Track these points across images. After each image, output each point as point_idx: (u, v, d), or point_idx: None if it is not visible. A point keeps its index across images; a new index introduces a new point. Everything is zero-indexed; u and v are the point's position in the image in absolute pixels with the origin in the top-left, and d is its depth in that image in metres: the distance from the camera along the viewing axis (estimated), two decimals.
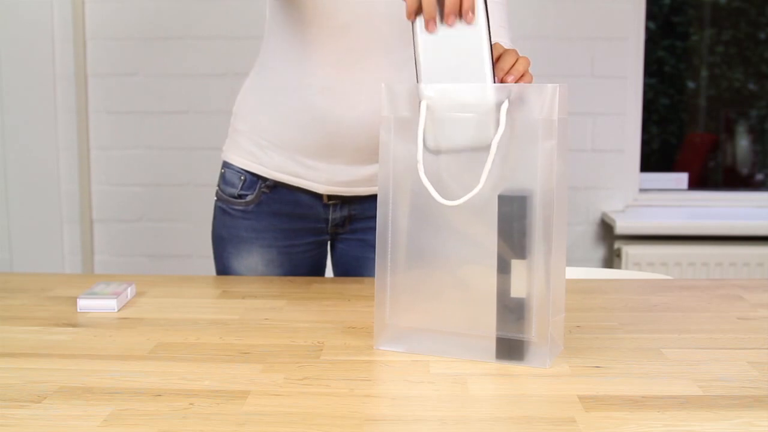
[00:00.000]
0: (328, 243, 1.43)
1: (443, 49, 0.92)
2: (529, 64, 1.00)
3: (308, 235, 1.38)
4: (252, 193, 1.34)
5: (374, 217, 0.98)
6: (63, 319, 1.08)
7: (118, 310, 1.12)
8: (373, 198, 1.30)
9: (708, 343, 0.99)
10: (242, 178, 1.34)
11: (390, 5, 1.18)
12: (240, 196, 1.35)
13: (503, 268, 0.89)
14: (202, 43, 2.64)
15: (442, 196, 0.89)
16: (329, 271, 1.47)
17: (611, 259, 2.71)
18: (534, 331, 0.89)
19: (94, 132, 2.69)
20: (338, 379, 0.86)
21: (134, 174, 2.71)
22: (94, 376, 0.86)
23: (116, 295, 1.13)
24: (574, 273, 1.47)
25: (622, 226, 2.58)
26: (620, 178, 2.72)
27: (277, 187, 1.34)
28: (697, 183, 3.10)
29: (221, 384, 0.84)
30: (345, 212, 1.37)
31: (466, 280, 0.92)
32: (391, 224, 0.94)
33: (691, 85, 3.27)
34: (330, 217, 1.36)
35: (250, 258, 1.36)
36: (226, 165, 1.37)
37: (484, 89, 0.90)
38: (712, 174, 3.27)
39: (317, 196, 1.34)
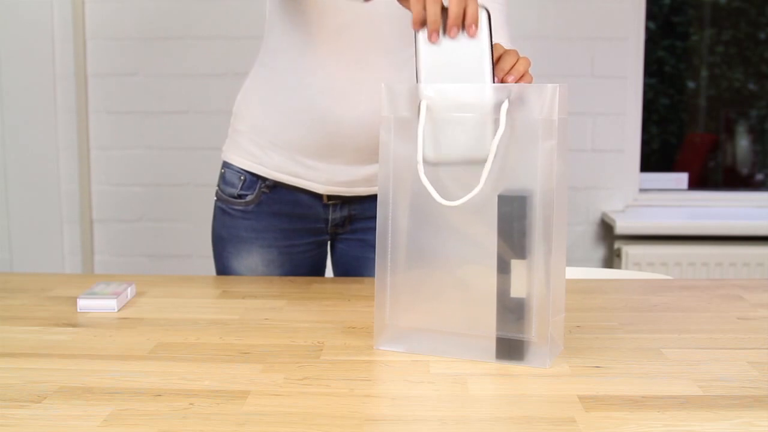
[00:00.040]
0: (328, 243, 1.43)
1: (444, 59, 0.93)
2: (529, 64, 1.00)
3: (308, 235, 1.38)
4: (252, 193, 1.34)
5: (374, 217, 0.98)
6: (63, 319, 1.08)
7: (118, 310, 1.12)
8: (373, 198, 1.30)
9: (708, 343, 0.99)
10: (242, 178, 1.34)
11: (390, 5, 1.18)
12: (240, 196, 1.35)
13: (503, 268, 0.89)
14: (202, 43, 2.64)
15: (442, 196, 0.89)
16: (329, 271, 1.47)
17: (611, 259, 2.71)
18: (534, 331, 0.89)
19: (94, 132, 2.69)
20: (338, 379, 0.86)
21: (134, 174, 2.71)
22: (94, 376, 0.86)
23: (116, 295, 1.13)
24: (574, 273, 1.47)
25: (622, 226, 2.58)
26: (620, 178, 2.72)
27: (276, 187, 1.34)
28: (697, 183, 3.10)
29: (221, 384, 0.84)
30: (345, 212, 1.37)
31: (466, 280, 0.92)
32: (391, 224, 0.94)
33: (691, 85, 3.27)
34: (330, 217, 1.36)
35: (250, 258, 1.36)
36: (225, 165, 1.37)
37: (484, 89, 0.90)
38: (712, 174, 3.27)
39: (317, 196, 1.34)
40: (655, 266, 2.57)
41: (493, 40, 0.94)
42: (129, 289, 1.18)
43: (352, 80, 1.23)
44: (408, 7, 0.95)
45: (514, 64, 0.99)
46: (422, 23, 0.92)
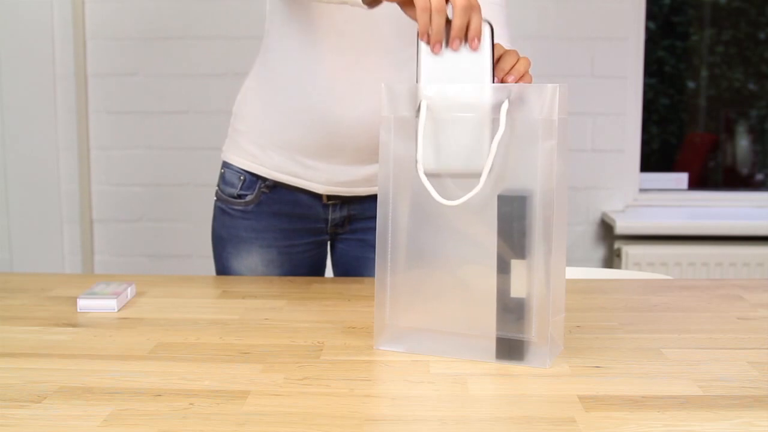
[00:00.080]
0: (328, 243, 1.43)
1: (445, 70, 0.93)
2: (529, 64, 1.00)
3: (308, 235, 1.38)
4: (251, 193, 1.34)
5: (374, 217, 0.98)
6: (63, 319, 1.08)
7: (118, 310, 1.12)
8: (372, 198, 1.30)
9: (708, 343, 0.99)
10: (242, 178, 1.34)
11: (390, 5, 1.18)
12: (239, 196, 1.35)
13: (503, 268, 0.89)
14: (202, 43, 2.64)
15: (442, 196, 0.89)
16: (329, 271, 1.47)
17: (611, 259, 2.71)
18: (534, 331, 0.89)
19: (94, 132, 2.69)
20: (338, 379, 0.86)
21: (134, 174, 2.71)
22: (94, 376, 0.86)
23: (116, 295, 1.13)
24: (574, 273, 1.47)
25: (622, 226, 2.58)
26: (620, 178, 2.72)
27: (276, 187, 1.34)
28: (697, 183, 3.10)
29: (221, 384, 0.84)
30: (344, 212, 1.37)
31: (466, 280, 0.92)
32: (391, 224, 0.94)
33: (691, 85, 3.27)
34: (329, 217, 1.36)
35: (250, 258, 1.36)
36: (225, 165, 1.37)
37: (484, 89, 0.90)
38: (712, 174, 3.27)
39: (317, 196, 1.34)
40: (655, 266, 2.57)
41: (494, 54, 0.94)
42: (129, 289, 1.18)
43: (352, 80, 1.23)
44: (413, 17, 0.95)
45: (514, 64, 0.99)
46: (428, 34, 0.92)
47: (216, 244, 1.40)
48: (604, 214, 2.70)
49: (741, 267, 2.58)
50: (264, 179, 1.33)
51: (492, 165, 0.88)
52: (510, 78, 0.98)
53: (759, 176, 3.26)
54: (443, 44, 0.92)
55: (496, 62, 0.98)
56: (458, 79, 0.92)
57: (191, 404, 0.78)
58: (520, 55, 1.00)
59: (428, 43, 0.92)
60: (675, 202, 2.84)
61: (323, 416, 0.75)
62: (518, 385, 0.84)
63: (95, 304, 1.12)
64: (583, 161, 2.68)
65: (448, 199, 0.89)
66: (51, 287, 1.25)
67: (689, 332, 1.03)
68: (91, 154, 2.70)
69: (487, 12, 1.07)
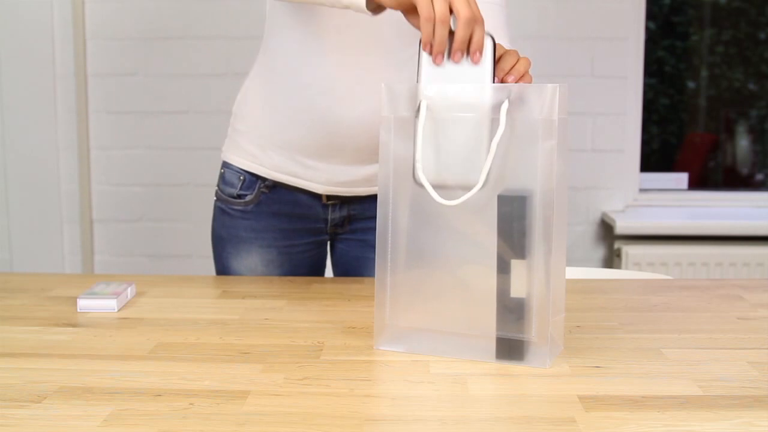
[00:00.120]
0: (328, 243, 1.43)
1: (446, 80, 0.93)
2: (529, 64, 1.00)
3: (307, 235, 1.38)
4: (251, 193, 1.34)
5: (374, 217, 0.98)
6: (63, 319, 1.08)
7: (118, 310, 1.12)
8: (372, 198, 1.30)
9: (708, 343, 0.99)
10: (241, 178, 1.34)
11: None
12: (239, 196, 1.35)
13: (503, 268, 0.89)
14: (202, 43, 2.64)
15: (442, 197, 0.89)
16: (329, 271, 1.47)
17: (611, 259, 2.71)
18: (534, 331, 0.89)
19: (94, 132, 2.69)
20: (338, 379, 0.86)
21: (134, 174, 2.71)
22: (94, 376, 0.86)
23: (116, 295, 1.13)
24: (574, 273, 1.47)
25: (622, 226, 2.58)
26: (620, 178, 2.72)
27: (276, 187, 1.34)
28: (697, 183, 3.10)
29: (221, 384, 0.84)
30: (344, 212, 1.37)
31: (466, 280, 0.92)
32: (391, 224, 0.94)
33: (691, 85, 3.27)
34: (329, 217, 1.36)
35: (250, 258, 1.36)
36: (225, 165, 1.37)
37: (484, 89, 0.90)
38: (712, 174, 3.27)
39: (316, 196, 1.34)
40: (655, 266, 2.57)
41: (496, 68, 0.95)
42: (129, 289, 1.18)
43: (352, 80, 1.23)
44: (416, 25, 0.96)
45: (514, 64, 0.99)
46: (431, 45, 0.92)
47: (216, 244, 1.40)
48: (604, 214, 2.70)
49: (741, 267, 2.58)
50: (264, 179, 1.33)
51: (492, 165, 0.88)
52: (510, 78, 0.98)
53: (759, 176, 3.26)
54: (445, 55, 0.93)
55: (496, 62, 0.98)
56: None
57: (191, 404, 0.78)
58: (520, 56, 1.00)
59: (430, 53, 0.93)
60: (675, 202, 2.84)
61: (323, 416, 0.75)
62: (518, 385, 0.84)
63: (95, 304, 1.12)
64: (583, 161, 2.68)
65: (447, 199, 0.89)
66: (51, 287, 1.25)
67: (689, 332, 1.03)
68: (91, 154, 2.70)
69: (487, 13, 1.07)
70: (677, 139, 3.26)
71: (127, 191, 2.71)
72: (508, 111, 0.88)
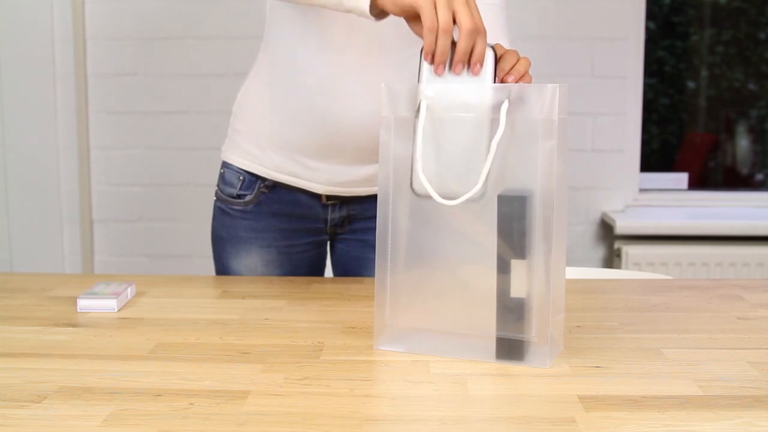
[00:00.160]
0: (328, 243, 1.43)
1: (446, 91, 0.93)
2: (530, 65, 1.00)
3: (307, 235, 1.38)
4: (251, 193, 1.34)
5: (374, 218, 0.98)
6: (63, 319, 1.08)
7: (118, 310, 1.12)
8: (372, 198, 1.30)
9: (708, 343, 0.99)
10: (241, 178, 1.34)
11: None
12: (239, 196, 1.35)
13: (503, 268, 0.89)
14: (202, 43, 2.64)
15: (442, 196, 0.89)
16: (329, 271, 1.47)
17: (611, 259, 2.71)
18: (534, 331, 0.89)
19: (94, 132, 2.69)
20: (338, 379, 0.86)
21: (134, 174, 2.71)
22: (94, 376, 0.86)
23: (116, 295, 1.13)
24: (574, 273, 1.47)
25: (622, 226, 2.58)
26: (620, 178, 2.72)
27: (276, 187, 1.34)
28: (697, 183, 3.10)
29: (221, 384, 0.84)
30: (344, 212, 1.37)
31: (466, 281, 0.92)
32: (391, 224, 0.94)
33: (691, 85, 3.27)
34: (329, 217, 1.36)
35: (250, 258, 1.36)
36: (225, 165, 1.37)
37: (484, 89, 0.90)
38: (712, 174, 3.27)
39: (316, 197, 1.34)
40: (655, 266, 2.57)
41: (496, 68, 0.95)
42: (129, 289, 1.18)
43: (352, 80, 1.23)
44: (418, 33, 0.96)
45: (515, 65, 0.99)
46: (433, 54, 0.92)
47: (215, 244, 1.40)
48: (604, 214, 2.70)
49: (741, 267, 2.58)
50: (263, 179, 1.33)
51: (492, 165, 0.88)
52: (510, 78, 0.98)
53: (759, 176, 3.26)
54: (446, 66, 0.93)
55: (496, 63, 0.98)
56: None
57: (191, 404, 0.78)
58: (520, 56, 1.00)
59: (431, 63, 0.93)
60: (675, 202, 2.84)
61: (323, 416, 0.75)
62: (518, 385, 0.84)
63: (95, 304, 1.12)
64: (583, 161, 2.68)
65: (447, 199, 0.89)
66: (51, 287, 1.25)
67: (689, 332, 1.03)
68: (91, 154, 2.70)
69: (487, 14, 1.07)
70: (677, 139, 3.26)
71: (127, 191, 2.71)
72: (508, 111, 0.88)
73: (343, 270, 1.43)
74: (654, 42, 3.12)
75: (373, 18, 1.01)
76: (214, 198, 1.39)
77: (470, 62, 0.92)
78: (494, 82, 0.93)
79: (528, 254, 0.88)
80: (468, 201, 0.89)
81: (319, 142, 1.27)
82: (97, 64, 2.65)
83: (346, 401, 0.79)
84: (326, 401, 0.79)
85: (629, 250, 2.58)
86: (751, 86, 3.21)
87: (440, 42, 0.91)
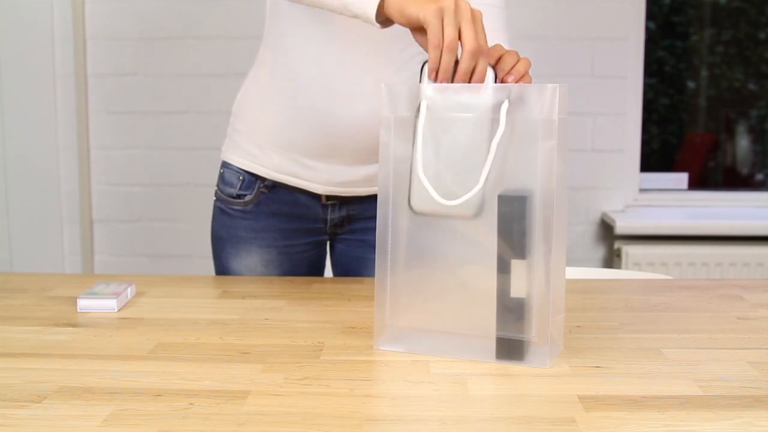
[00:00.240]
0: (327, 243, 1.43)
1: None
2: (529, 65, 1.00)
3: (307, 235, 1.38)
4: (251, 193, 1.34)
5: (374, 218, 0.98)
6: (63, 319, 1.08)
7: (118, 310, 1.12)
8: (372, 198, 1.30)
9: (708, 343, 0.99)
10: (241, 178, 1.34)
11: None
12: (239, 196, 1.35)
13: (503, 268, 0.89)
14: (202, 43, 2.64)
15: (442, 196, 0.89)
16: (329, 271, 1.47)
17: (611, 259, 2.71)
18: (534, 331, 0.89)
19: (94, 132, 2.69)
20: (338, 379, 0.86)
21: (134, 174, 2.70)
22: (94, 376, 0.86)
23: (116, 295, 1.13)
24: (574, 273, 1.47)
25: (622, 226, 2.58)
26: (620, 178, 2.72)
27: (275, 187, 1.34)
28: (697, 183, 3.10)
29: (221, 384, 0.84)
30: (343, 212, 1.37)
31: (466, 281, 0.92)
32: (391, 224, 0.94)
33: (691, 85, 3.27)
34: (328, 217, 1.36)
35: (249, 258, 1.36)
36: (225, 165, 1.37)
37: (484, 89, 0.90)
38: (712, 174, 3.27)
39: (316, 197, 1.34)
40: (655, 266, 2.57)
41: (496, 68, 0.96)
42: (129, 289, 1.18)
43: (352, 80, 1.23)
44: (422, 45, 0.97)
45: (515, 65, 0.99)
46: (437, 70, 0.93)
47: (215, 244, 1.40)
48: (604, 214, 2.70)
49: (741, 267, 2.58)
50: (263, 179, 1.33)
51: (492, 165, 0.88)
52: (510, 78, 0.98)
53: (759, 176, 3.26)
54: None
55: (496, 63, 0.98)
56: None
57: (191, 404, 0.78)
58: (521, 56, 1.01)
59: (435, 80, 0.93)
60: (675, 202, 2.84)
61: (323, 416, 0.75)
62: (518, 385, 0.84)
63: (95, 304, 1.12)
64: (583, 161, 2.68)
65: (448, 199, 0.89)
66: (51, 287, 1.25)
67: (689, 332, 1.03)
68: (91, 154, 2.70)
69: (486, 15, 1.07)
70: (677, 139, 3.26)
71: (127, 191, 2.71)
72: (508, 111, 0.88)
73: (343, 270, 1.43)
74: (654, 42, 3.12)
75: (378, 25, 1.02)
76: (214, 198, 1.39)
77: (471, 81, 0.93)
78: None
79: (528, 254, 0.88)
80: (468, 201, 0.89)
81: (318, 142, 1.27)
82: (97, 64, 2.65)
83: (346, 401, 0.79)
84: (326, 401, 0.79)
85: (629, 250, 2.58)
86: (751, 86, 3.21)
87: (444, 59, 0.92)
